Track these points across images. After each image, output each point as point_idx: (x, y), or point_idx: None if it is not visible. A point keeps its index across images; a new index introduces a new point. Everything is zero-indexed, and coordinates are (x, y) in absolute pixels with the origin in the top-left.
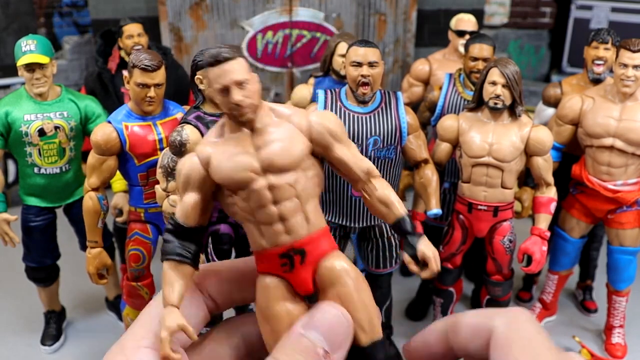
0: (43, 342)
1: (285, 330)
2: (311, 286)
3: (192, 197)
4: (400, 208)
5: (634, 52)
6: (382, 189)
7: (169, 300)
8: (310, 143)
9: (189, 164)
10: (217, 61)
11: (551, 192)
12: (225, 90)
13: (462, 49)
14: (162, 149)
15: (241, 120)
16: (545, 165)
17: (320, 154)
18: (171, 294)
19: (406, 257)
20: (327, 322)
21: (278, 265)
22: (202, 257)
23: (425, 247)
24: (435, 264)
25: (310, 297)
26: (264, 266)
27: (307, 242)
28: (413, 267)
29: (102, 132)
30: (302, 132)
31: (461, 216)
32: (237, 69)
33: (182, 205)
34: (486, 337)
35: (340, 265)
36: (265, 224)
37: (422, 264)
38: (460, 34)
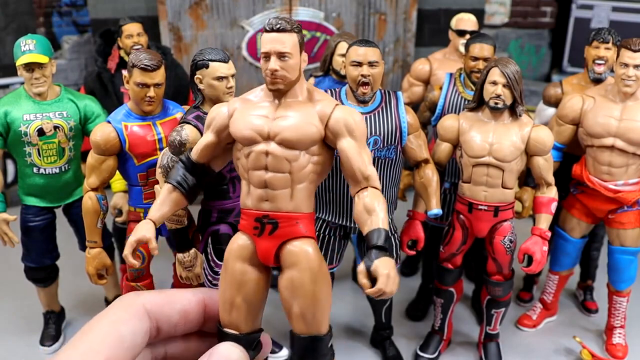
0: (42, 343)
1: (233, 288)
2: (272, 260)
3: (207, 137)
4: (382, 222)
5: (635, 51)
6: (373, 198)
7: (151, 214)
8: (324, 130)
9: (217, 110)
10: (272, 29)
11: (552, 192)
12: (267, 56)
13: (462, 49)
14: (161, 148)
15: (271, 88)
16: (545, 165)
17: (332, 142)
18: (156, 211)
19: (360, 267)
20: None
21: (251, 226)
22: (202, 257)
23: (381, 264)
24: (383, 284)
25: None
26: (243, 224)
27: (283, 218)
28: (363, 278)
29: (102, 132)
30: (321, 119)
31: (461, 216)
32: (284, 41)
33: (198, 142)
34: None
35: (304, 251)
36: (254, 185)
37: (374, 279)
38: (461, 33)
